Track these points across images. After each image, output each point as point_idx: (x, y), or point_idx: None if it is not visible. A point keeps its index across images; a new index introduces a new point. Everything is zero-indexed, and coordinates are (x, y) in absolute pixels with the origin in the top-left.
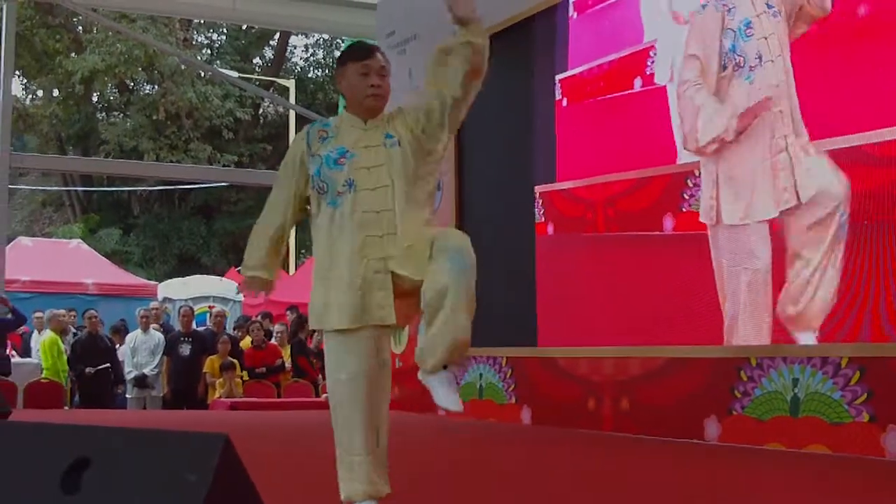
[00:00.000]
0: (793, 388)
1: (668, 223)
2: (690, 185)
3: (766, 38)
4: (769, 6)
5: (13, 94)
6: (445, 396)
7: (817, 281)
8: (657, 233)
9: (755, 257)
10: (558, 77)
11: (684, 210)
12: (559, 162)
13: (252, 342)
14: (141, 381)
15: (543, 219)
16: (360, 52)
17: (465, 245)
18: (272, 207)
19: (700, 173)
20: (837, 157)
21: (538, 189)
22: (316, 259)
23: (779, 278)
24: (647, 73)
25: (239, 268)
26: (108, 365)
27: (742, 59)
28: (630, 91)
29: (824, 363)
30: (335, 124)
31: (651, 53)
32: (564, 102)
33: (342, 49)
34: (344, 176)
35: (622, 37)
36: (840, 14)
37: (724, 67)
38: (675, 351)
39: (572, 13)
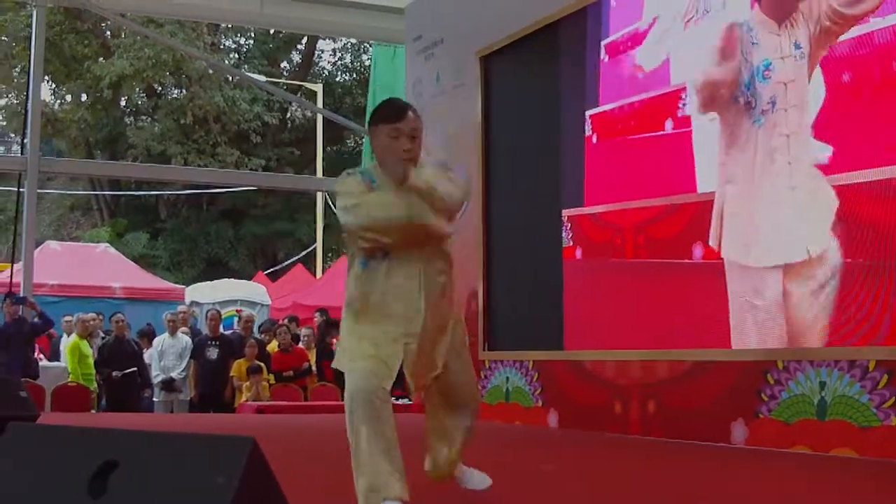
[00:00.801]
0: (820, 392)
1: (698, 251)
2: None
3: (785, 84)
4: (797, 46)
5: (42, 98)
6: (478, 482)
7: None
8: (686, 261)
9: (762, 297)
10: (588, 113)
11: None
12: (587, 189)
13: (279, 346)
14: (168, 385)
15: (572, 242)
16: (390, 113)
17: (477, 402)
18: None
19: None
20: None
21: (566, 213)
22: (350, 300)
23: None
24: (679, 115)
25: (266, 271)
26: (134, 369)
27: (753, 100)
28: (661, 133)
29: (852, 366)
30: (377, 179)
31: (682, 95)
32: (595, 139)
33: (374, 108)
34: None
35: (653, 78)
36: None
37: (736, 99)
38: (702, 354)
39: (604, 56)
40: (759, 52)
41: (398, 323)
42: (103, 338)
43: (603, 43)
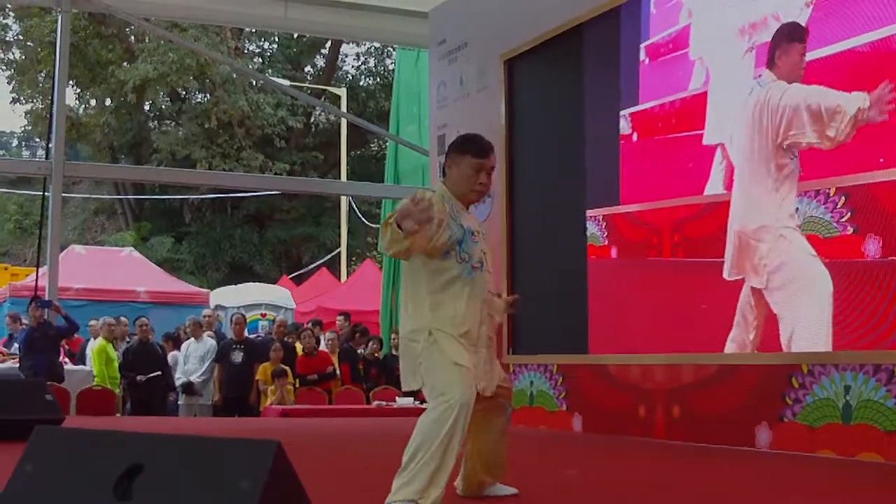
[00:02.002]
0: (844, 396)
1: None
2: None
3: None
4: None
5: (66, 103)
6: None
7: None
8: (721, 259)
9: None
10: (629, 111)
11: None
12: (624, 188)
13: (304, 349)
14: (188, 389)
15: (607, 242)
16: (480, 149)
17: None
18: None
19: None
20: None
21: (602, 212)
22: (454, 310)
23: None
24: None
25: (291, 275)
26: (159, 373)
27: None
28: (701, 131)
29: (877, 370)
30: (450, 202)
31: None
32: (635, 137)
33: (463, 137)
34: (478, 254)
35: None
36: None
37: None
38: (727, 358)
39: (644, 58)
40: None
41: (471, 334)
42: (128, 341)
43: (643, 45)
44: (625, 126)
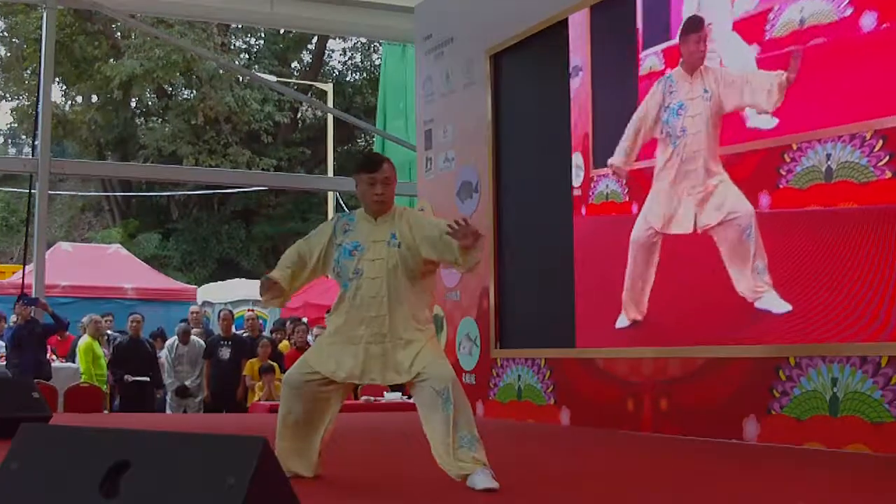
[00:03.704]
0: (832, 388)
1: (765, 200)
2: (787, 159)
3: (692, 117)
4: (705, 91)
5: (52, 100)
6: (485, 482)
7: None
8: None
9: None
10: (661, 47)
11: (781, 186)
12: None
13: (294, 345)
14: (182, 392)
15: (628, 198)
16: (368, 165)
17: (450, 383)
18: (290, 253)
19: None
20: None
21: (624, 168)
22: (332, 320)
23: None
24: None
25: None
26: (147, 378)
27: (670, 130)
28: None
29: (864, 362)
30: (357, 219)
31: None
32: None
33: (357, 160)
34: (353, 265)
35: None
36: None
37: (662, 131)
38: (714, 351)
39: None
40: (675, 98)
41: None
42: (115, 339)
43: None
44: (657, 63)
